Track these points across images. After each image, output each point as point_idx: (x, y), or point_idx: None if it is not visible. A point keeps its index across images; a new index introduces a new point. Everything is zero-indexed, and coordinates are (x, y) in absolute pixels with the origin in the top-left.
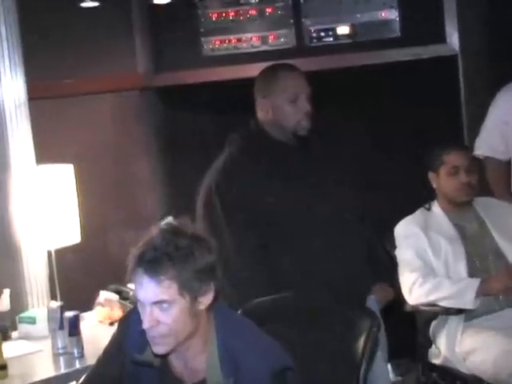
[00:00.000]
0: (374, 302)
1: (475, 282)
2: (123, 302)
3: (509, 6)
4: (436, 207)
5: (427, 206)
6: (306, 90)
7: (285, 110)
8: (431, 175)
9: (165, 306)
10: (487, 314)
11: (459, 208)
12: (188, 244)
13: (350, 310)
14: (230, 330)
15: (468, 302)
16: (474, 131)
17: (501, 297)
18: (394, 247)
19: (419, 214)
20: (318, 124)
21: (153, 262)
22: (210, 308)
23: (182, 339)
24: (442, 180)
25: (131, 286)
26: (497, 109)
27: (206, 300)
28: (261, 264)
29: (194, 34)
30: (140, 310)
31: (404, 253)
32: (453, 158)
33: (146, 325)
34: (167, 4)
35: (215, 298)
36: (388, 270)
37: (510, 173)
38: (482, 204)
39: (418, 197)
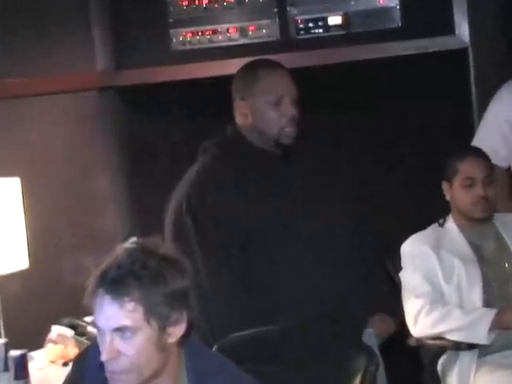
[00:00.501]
0: (371, 336)
1: (490, 313)
2: (79, 338)
3: None
4: (450, 223)
5: (441, 221)
6: (290, 91)
7: (266, 114)
8: (445, 185)
9: (128, 334)
10: (504, 350)
11: (476, 224)
12: (158, 264)
13: (344, 345)
14: (203, 370)
15: (481, 335)
16: None
17: None
18: (399, 270)
19: (431, 230)
20: (305, 130)
21: (116, 281)
22: (181, 342)
23: (147, 377)
24: (456, 192)
25: (89, 318)
26: (499, 106)
27: (176, 331)
28: (240, 292)
29: (161, 26)
30: (99, 340)
31: (410, 275)
32: (468, 168)
33: (104, 356)
34: None
35: (188, 331)
36: (389, 298)
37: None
38: (504, 220)
39: (427, 211)
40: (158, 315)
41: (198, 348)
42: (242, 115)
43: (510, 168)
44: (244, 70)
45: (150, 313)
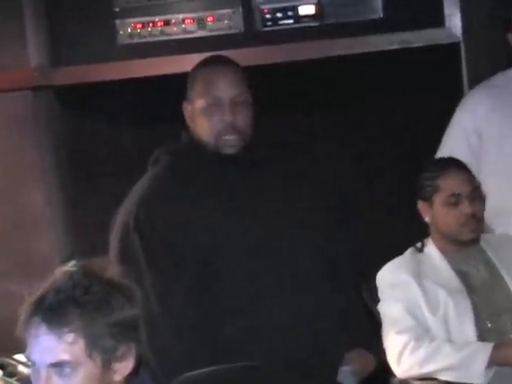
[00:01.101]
0: (348, 375)
1: (486, 348)
2: (8, 379)
3: None
4: (431, 247)
5: (419, 245)
6: (230, 93)
7: (200, 121)
8: (422, 205)
9: (66, 370)
10: None
11: (461, 248)
12: (103, 290)
13: None
14: None
15: (476, 374)
16: None
17: None
18: (377, 300)
19: (409, 256)
20: (270, 135)
21: (54, 309)
22: (128, 381)
23: None
24: (438, 212)
25: (20, 356)
26: (466, 115)
27: (123, 368)
28: (194, 323)
29: (105, 16)
30: (33, 377)
31: (390, 308)
32: (451, 183)
33: None
34: None
35: (136, 368)
36: (367, 331)
37: None
38: (492, 242)
39: (411, 232)
40: (101, 349)
41: None
42: (189, 119)
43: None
44: (192, 68)
45: (92, 346)
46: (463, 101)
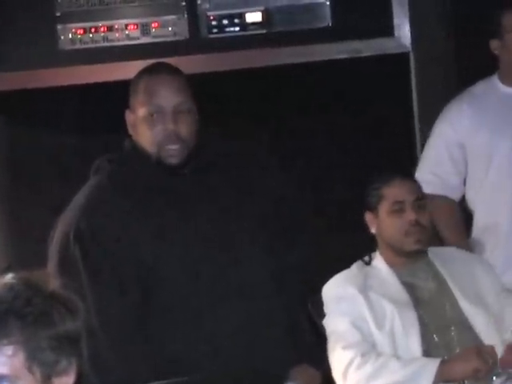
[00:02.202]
0: None
1: (433, 363)
2: None
3: None
4: (378, 260)
5: (366, 258)
6: (171, 100)
7: (141, 129)
8: (368, 216)
9: None
10: None
11: (409, 260)
12: (45, 302)
13: None
14: None
15: None
16: None
17: (466, 383)
18: (323, 315)
19: (356, 269)
20: (214, 144)
21: None
22: None
23: None
24: (383, 221)
25: None
26: (447, 128)
27: (63, 383)
28: (136, 337)
29: (46, 20)
30: None
31: (335, 322)
32: (395, 191)
33: None
34: None
35: (77, 383)
36: (313, 347)
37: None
38: (441, 255)
39: (359, 245)
40: (42, 362)
41: None
42: (131, 128)
43: (463, 199)
44: (134, 77)
45: (32, 359)
46: (444, 112)
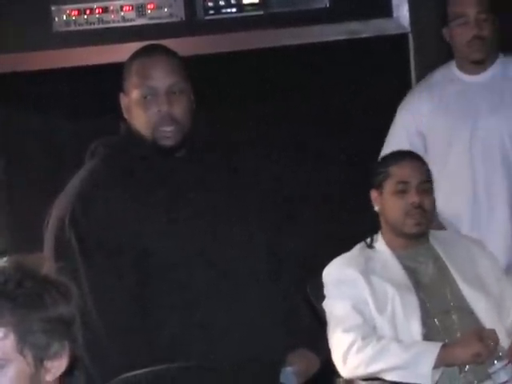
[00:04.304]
0: (290, 376)
1: (434, 348)
2: None
3: None
4: (380, 243)
5: (368, 240)
6: (165, 81)
7: (135, 112)
8: (373, 194)
9: None
10: None
11: (410, 244)
12: (37, 285)
13: None
14: None
15: (424, 374)
16: None
17: (467, 367)
18: (322, 298)
19: (358, 251)
20: (214, 129)
21: None
22: (60, 382)
23: None
24: (386, 200)
25: None
26: (408, 116)
27: (55, 367)
28: (132, 322)
29: (40, 1)
30: None
31: (336, 305)
32: (401, 171)
33: None
34: None
35: (69, 368)
36: (312, 331)
37: None
38: (442, 240)
39: (360, 228)
40: (33, 345)
41: None
42: (125, 111)
43: None
44: (127, 59)
45: (24, 342)
46: (405, 101)
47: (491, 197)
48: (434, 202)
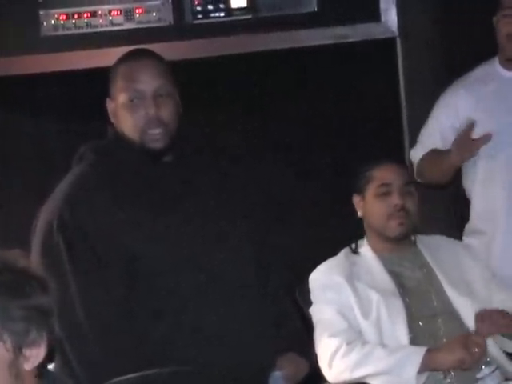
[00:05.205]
0: (279, 380)
1: (419, 352)
2: None
3: None
4: (365, 247)
5: (353, 246)
6: (151, 85)
7: (122, 116)
8: (356, 199)
9: None
10: None
11: (395, 248)
12: (16, 275)
13: None
14: None
15: (409, 378)
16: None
17: (452, 373)
18: (310, 303)
19: (343, 257)
20: (203, 133)
21: None
22: (39, 375)
23: None
24: (369, 204)
25: None
26: (444, 111)
27: (34, 356)
28: (121, 327)
29: (28, 6)
30: None
31: (322, 310)
32: (383, 173)
33: None
34: None
35: (47, 358)
36: (301, 335)
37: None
38: (428, 244)
39: (345, 233)
40: (12, 331)
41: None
42: (112, 116)
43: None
44: (113, 64)
45: (3, 328)
46: (443, 95)
47: None
48: (416, 203)
